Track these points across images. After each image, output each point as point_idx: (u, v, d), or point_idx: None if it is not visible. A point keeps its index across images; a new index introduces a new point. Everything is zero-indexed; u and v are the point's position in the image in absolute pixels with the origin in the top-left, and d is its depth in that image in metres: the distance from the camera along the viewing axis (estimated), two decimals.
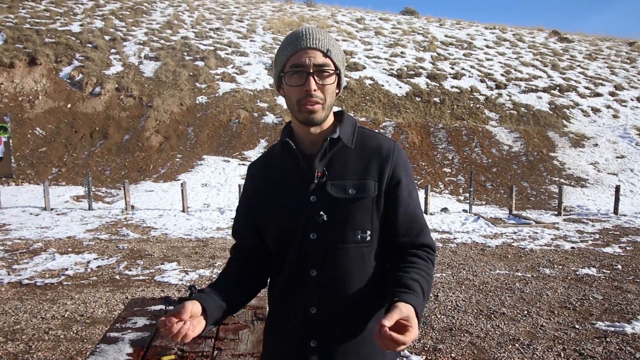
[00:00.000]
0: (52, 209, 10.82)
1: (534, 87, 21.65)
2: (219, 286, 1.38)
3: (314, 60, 1.30)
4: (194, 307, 1.24)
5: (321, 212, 1.33)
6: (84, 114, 16.75)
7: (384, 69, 22.01)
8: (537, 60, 25.30)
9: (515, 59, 25.21)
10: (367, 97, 19.66)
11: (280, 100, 18.43)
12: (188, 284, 5.52)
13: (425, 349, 4.06)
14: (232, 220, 1.50)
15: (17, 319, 4.66)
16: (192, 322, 1.22)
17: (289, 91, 1.33)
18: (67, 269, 6.43)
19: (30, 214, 10.48)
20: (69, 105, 17.04)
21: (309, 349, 1.35)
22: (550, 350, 4.04)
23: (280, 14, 29.36)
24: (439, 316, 4.81)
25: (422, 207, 11.02)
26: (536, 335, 4.34)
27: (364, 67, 21.78)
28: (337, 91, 1.39)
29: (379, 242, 1.38)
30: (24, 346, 4.06)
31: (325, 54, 1.31)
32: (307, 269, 1.35)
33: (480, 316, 4.82)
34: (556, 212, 11.50)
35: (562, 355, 3.94)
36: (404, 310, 1.14)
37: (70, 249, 7.53)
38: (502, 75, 22.61)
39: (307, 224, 1.34)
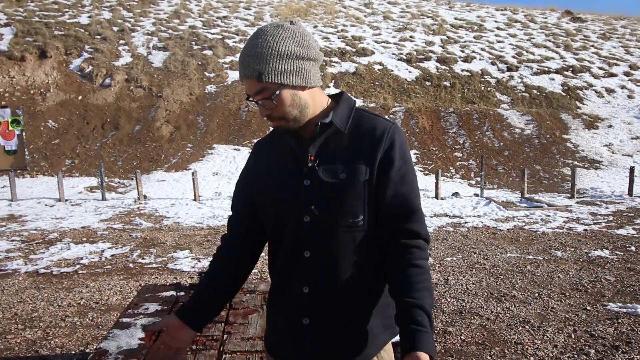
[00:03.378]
0: (66, 200, 10.98)
1: (546, 69, 21.34)
2: (211, 283, 1.51)
3: (251, 90, 1.31)
4: (170, 323, 1.47)
5: (313, 203, 1.34)
6: (95, 105, 16.88)
7: (393, 53, 21.83)
8: (549, 41, 24.90)
9: (527, 40, 24.83)
10: (377, 83, 19.54)
11: None
12: (198, 271, 5.60)
13: (435, 332, 4.09)
14: None
15: (35, 307, 4.77)
16: (174, 335, 1.45)
17: None
18: (82, 258, 6.55)
19: (46, 205, 10.65)
20: (80, 97, 17.18)
21: (302, 326, 1.39)
22: (560, 331, 4.04)
23: (287, 0, 29.17)
24: (449, 299, 4.83)
25: (434, 192, 11.02)
26: (547, 317, 4.35)
27: (373, 52, 21.62)
28: (303, 88, 1.34)
29: (373, 227, 1.38)
30: (41, 333, 4.17)
31: (259, 80, 1.28)
32: (301, 250, 1.37)
33: (491, 299, 4.83)
34: (569, 195, 11.41)
35: (573, 336, 3.95)
36: None
37: (84, 239, 7.65)
38: (514, 57, 22.30)
39: (301, 208, 1.36)
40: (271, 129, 1.51)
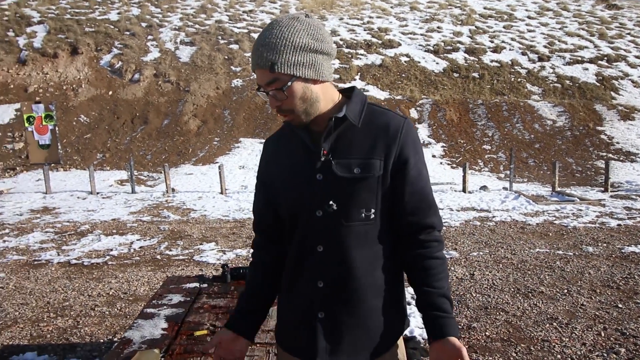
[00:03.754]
0: (97, 193, 11.26)
1: (579, 59, 20.73)
2: (254, 292, 1.55)
3: (263, 81, 1.31)
4: (224, 337, 1.49)
5: (326, 197, 1.35)
6: (125, 100, 17.23)
7: (420, 45, 21.55)
8: (583, 29, 24.15)
9: (560, 29, 24.15)
10: (403, 75, 19.34)
11: None
12: (222, 263, 5.66)
13: (459, 327, 4.04)
14: None
15: (66, 297, 4.92)
16: (230, 348, 1.49)
17: None
18: (111, 250, 6.72)
19: (78, 197, 10.94)
20: (110, 93, 17.56)
21: (317, 319, 1.40)
22: (590, 329, 3.94)
23: None
24: (474, 295, 4.77)
25: (462, 186, 10.86)
26: (575, 314, 4.24)
27: (399, 44, 21.40)
28: (315, 81, 1.34)
29: (385, 221, 1.39)
30: (72, 321, 4.29)
31: (271, 70, 1.27)
32: (314, 244, 1.39)
33: (518, 295, 4.74)
34: (602, 189, 11.08)
35: (603, 334, 3.84)
36: (455, 349, 1.29)
37: (114, 231, 7.84)
38: (545, 47, 21.73)
39: (313, 202, 1.37)
40: (280, 125, 1.52)
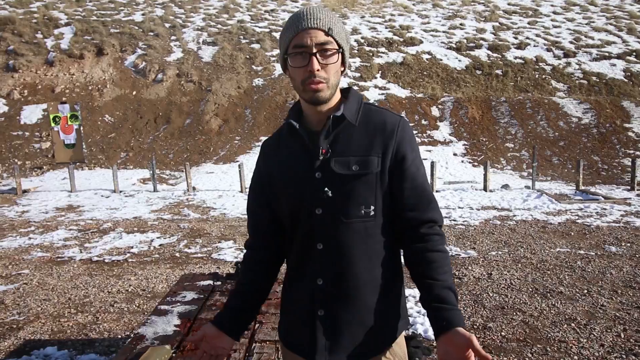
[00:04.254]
0: (120, 191, 11.48)
1: (606, 54, 20.21)
2: (244, 292, 1.53)
3: (316, 40, 1.30)
4: (208, 332, 1.47)
5: (326, 189, 1.36)
6: (148, 100, 17.51)
7: (442, 42, 21.33)
8: (610, 24, 23.54)
9: (586, 24, 23.60)
10: (425, 73, 19.17)
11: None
12: (235, 261, 5.72)
13: (475, 327, 4.00)
14: None
15: (87, 293, 5.04)
16: (213, 343, 1.46)
17: (293, 72, 1.35)
18: (132, 247, 6.85)
19: (102, 196, 11.18)
20: (134, 93, 17.87)
21: (317, 317, 1.41)
22: (609, 330, 3.86)
23: None
24: (491, 294, 4.71)
25: (483, 185, 10.73)
26: (595, 315, 4.16)
27: (421, 42, 21.21)
28: (342, 69, 1.39)
29: (384, 217, 1.40)
30: (92, 317, 4.40)
31: (327, 33, 1.31)
32: (314, 242, 1.40)
33: (536, 295, 4.67)
34: (629, 187, 10.81)
35: (622, 335, 3.76)
36: (464, 338, 1.23)
37: (136, 229, 7.99)
38: (571, 42, 21.26)
39: (313, 200, 1.38)
40: (275, 129, 1.56)
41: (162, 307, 2.87)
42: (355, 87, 17.94)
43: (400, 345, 1.48)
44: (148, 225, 8.27)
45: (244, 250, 1.61)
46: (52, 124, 11.98)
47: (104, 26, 20.94)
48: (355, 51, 20.46)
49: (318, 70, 1.31)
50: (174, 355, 2.23)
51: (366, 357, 1.42)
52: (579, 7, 26.52)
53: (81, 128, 12.15)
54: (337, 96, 1.43)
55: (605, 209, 8.67)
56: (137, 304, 4.68)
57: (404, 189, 1.39)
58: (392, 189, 1.39)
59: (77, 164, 13.13)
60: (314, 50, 1.30)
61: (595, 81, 18.48)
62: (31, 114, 16.73)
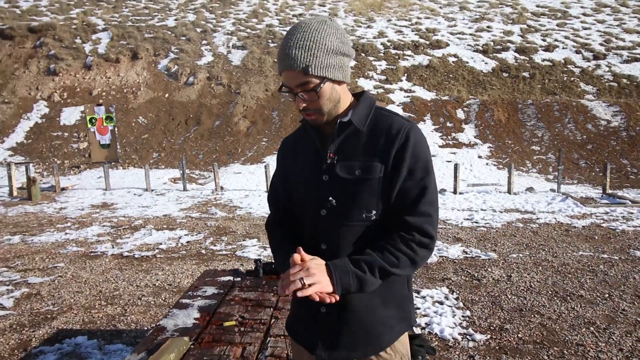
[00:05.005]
0: (152, 190, 11.75)
1: (638, 56, 19.59)
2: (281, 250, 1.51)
3: (295, 82, 1.32)
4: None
5: (330, 192, 1.38)
6: (180, 102, 17.84)
7: (468, 45, 21.06)
8: None
9: (617, 26, 22.93)
10: (450, 75, 18.97)
11: (361, 82, 18.35)
12: (255, 258, 5.79)
13: (491, 328, 3.96)
14: None
15: (117, 286, 5.19)
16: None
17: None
18: (161, 244, 7.01)
19: (134, 194, 11.46)
20: (166, 95, 18.24)
21: (320, 314, 1.45)
22: (629, 335, 3.77)
23: None
24: (509, 296, 4.65)
25: (507, 187, 10.54)
26: (615, 320, 4.06)
27: (447, 44, 20.99)
28: (340, 83, 1.38)
29: (385, 221, 1.39)
30: (120, 309, 4.53)
31: (305, 72, 1.30)
32: (318, 243, 1.43)
33: (555, 298, 4.59)
34: None
35: None
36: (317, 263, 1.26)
37: (165, 226, 8.17)
38: (601, 44, 20.69)
39: (318, 201, 1.41)
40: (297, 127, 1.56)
41: (184, 300, 2.95)
42: (381, 90, 17.92)
43: (402, 343, 1.49)
44: (177, 222, 8.44)
45: (267, 227, 1.63)
46: (89, 125, 12.35)
47: (139, 31, 21.44)
48: (382, 54, 20.40)
49: (305, 106, 1.34)
50: (191, 347, 2.29)
51: (365, 354, 1.43)
52: (610, 9, 25.79)
53: (116, 129, 12.48)
54: (348, 101, 1.43)
55: (632, 213, 8.42)
56: (164, 298, 4.80)
57: (393, 191, 1.36)
58: (389, 193, 1.37)
59: (112, 163, 13.49)
60: (296, 91, 1.33)
61: (626, 83, 17.95)
62: (70, 115, 17.27)
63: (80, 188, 12.41)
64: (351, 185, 1.37)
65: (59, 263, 6.12)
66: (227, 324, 2.55)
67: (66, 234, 7.76)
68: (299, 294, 1.21)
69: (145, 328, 4.10)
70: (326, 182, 1.40)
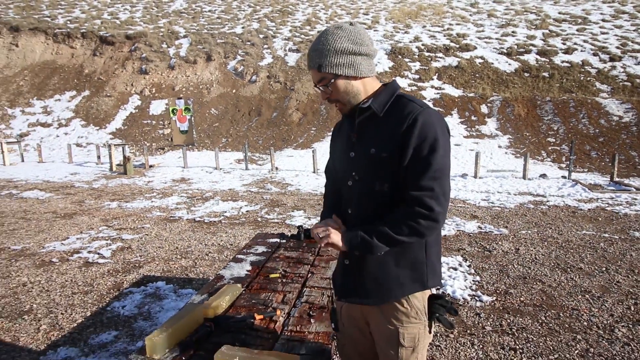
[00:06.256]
0: (220, 169, 12.09)
1: None
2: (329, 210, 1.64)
3: (314, 78, 1.40)
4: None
5: (354, 166, 1.45)
6: (244, 97, 18.14)
7: (494, 48, 20.12)
8: None
9: (634, 31, 21.20)
10: (477, 75, 18.25)
11: (397, 81, 17.95)
12: (297, 225, 5.89)
13: (497, 291, 3.90)
14: None
15: (189, 244, 5.45)
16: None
17: None
18: (225, 212, 7.25)
19: (206, 171, 11.84)
20: (233, 91, 18.58)
21: (345, 265, 1.53)
22: (620, 303, 3.62)
23: (400, 5, 28.20)
24: (515, 266, 4.55)
25: (522, 173, 10.12)
26: (609, 290, 3.90)
27: (475, 48, 20.14)
28: (355, 78, 1.39)
29: (399, 193, 1.39)
30: (191, 262, 4.78)
31: (319, 70, 1.38)
32: (346, 208, 1.50)
33: (557, 269, 4.45)
34: None
35: (633, 308, 3.52)
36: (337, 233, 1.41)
37: (229, 198, 8.43)
38: (618, 47, 19.23)
39: (346, 174, 1.48)
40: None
41: (239, 256, 3.09)
42: (414, 88, 17.50)
43: (419, 299, 1.44)
44: (239, 195, 8.69)
45: (324, 196, 1.75)
46: (171, 115, 12.81)
47: (213, 37, 21.84)
48: (416, 56, 19.85)
49: (327, 98, 1.41)
50: (243, 292, 2.41)
51: (375, 303, 1.44)
52: (628, 15, 23.86)
53: (192, 118, 12.88)
54: (373, 89, 1.44)
55: (635, 198, 7.93)
56: (226, 255, 5.01)
57: (403, 170, 1.34)
58: (399, 169, 1.35)
59: (189, 146, 13.97)
60: (318, 86, 1.40)
61: (639, 83, 16.66)
62: (157, 107, 17.94)
63: (164, 166, 12.93)
64: (368, 161, 1.40)
65: (145, 224, 6.47)
66: (272, 275, 2.66)
67: (152, 201, 8.15)
68: (320, 244, 1.40)
69: (210, 277, 4.31)
70: (351, 159, 1.45)
